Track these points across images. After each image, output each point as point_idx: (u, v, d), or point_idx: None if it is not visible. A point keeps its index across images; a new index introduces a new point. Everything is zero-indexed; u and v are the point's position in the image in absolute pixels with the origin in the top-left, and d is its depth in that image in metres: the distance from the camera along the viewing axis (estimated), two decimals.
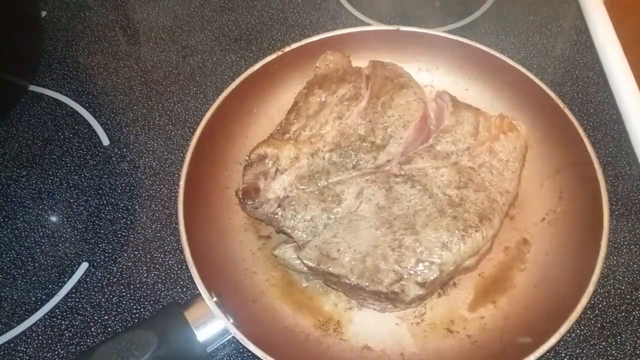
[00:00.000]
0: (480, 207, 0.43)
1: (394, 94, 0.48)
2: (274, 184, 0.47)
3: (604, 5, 0.67)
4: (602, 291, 0.50)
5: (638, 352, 0.47)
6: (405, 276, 0.41)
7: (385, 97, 0.48)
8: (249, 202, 0.47)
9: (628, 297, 0.50)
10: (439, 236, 0.41)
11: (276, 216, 0.46)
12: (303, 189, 0.46)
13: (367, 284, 0.41)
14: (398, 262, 0.41)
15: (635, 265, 0.52)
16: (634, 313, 0.49)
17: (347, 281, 0.42)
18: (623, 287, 0.51)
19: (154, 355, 0.41)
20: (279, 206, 0.46)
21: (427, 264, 0.41)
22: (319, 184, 0.46)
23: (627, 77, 0.62)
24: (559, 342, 0.47)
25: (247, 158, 0.50)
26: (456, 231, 0.41)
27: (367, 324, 0.48)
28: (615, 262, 0.52)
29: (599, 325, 0.49)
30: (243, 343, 0.42)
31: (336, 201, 0.45)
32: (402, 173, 0.45)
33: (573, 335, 0.48)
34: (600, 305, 0.50)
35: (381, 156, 0.46)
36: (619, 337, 0.48)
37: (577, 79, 0.63)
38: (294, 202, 0.46)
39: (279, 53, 0.57)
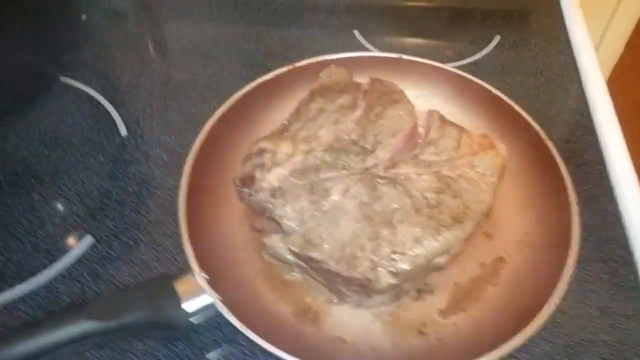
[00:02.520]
0: (454, 211, 0.46)
1: (387, 106, 0.53)
2: (269, 175, 0.51)
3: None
4: (571, 312, 0.53)
5: None
6: (379, 265, 0.44)
7: (378, 108, 0.53)
8: (245, 190, 0.51)
9: (596, 320, 0.52)
10: (413, 231, 0.45)
11: (268, 204, 0.50)
12: (295, 182, 0.50)
13: (344, 269, 0.44)
14: (374, 251, 0.45)
15: (604, 293, 0.54)
16: (599, 335, 0.51)
17: (326, 266, 0.46)
18: (592, 312, 0.53)
19: (143, 315, 0.45)
20: (272, 195, 0.50)
21: (400, 255, 0.44)
22: (310, 179, 0.50)
23: (612, 125, 0.66)
24: (527, 355, 0.50)
25: (248, 150, 0.54)
26: (429, 228, 0.45)
27: (343, 318, 0.51)
28: (586, 288, 0.54)
29: (563, 343, 0.51)
30: (226, 316, 0.46)
31: (324, 195, 0.49)
32: (387, 175, 0.49)
33: (539, 350, 0.51)
34: (567, 326, 0.52)
35: (369, 159, 0.50)
36: (584, 356, 0.50)
37: (565, 121, 0.68)
38: (285, 193, 0.50)
39: (290, 67, 0.63)
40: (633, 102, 0.86)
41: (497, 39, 0.77)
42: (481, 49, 0.76)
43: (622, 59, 0.89)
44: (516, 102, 0.60)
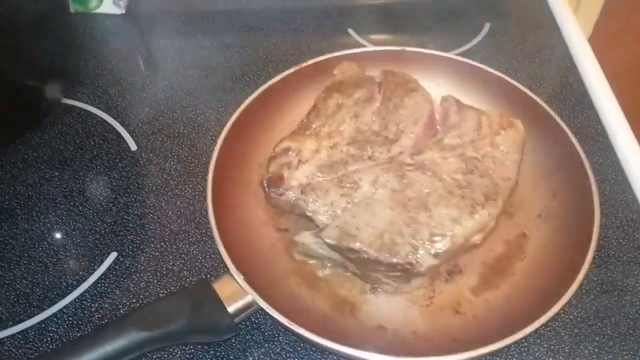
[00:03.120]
0: (485, 189, 0.48)
1: (404, 96, 0.54)
2: (296, 173, 0.51)
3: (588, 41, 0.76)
4: (596, 279, 0.55)
5: (631, 331, 0.51)
6: (420, 248, 0.45)
7: (396, 99, 0.54)
8: (274, 190, 0.52)
9: (619, 284, 0.54)
10: (449, 212, 0.46)
11: (299, 201, 0.50)
12: (324, 177, 0.51)
13: (386, 256, 0.45)
14: (413, 235, 0.46)
15: (624, 257, 0.56)
16: (625, 297, 0.53)
17: (366, 255, 0.46)
18: (615, 276, 0.55)
19: (188, 320, 0.44)
20: (302, 192, 0.51)
21: (439, 237, 0.45)
22: (338, 173, 0.51)
23: (609, 98, 0.69)
24: (558, 322, 0.52)
25: (271, 151, 0.54)
26: (465, 208, 0.46)
27: (380, 307, 0.52)
28: (606, 254, 0.56)
29: (594, 308, 0.53)
30: (270, 313, 0.46)
31: (354, 187, 0.50)
32: (414, 162, 0.50)
33: (571, 317, 0.52)
34: (594, 291, 0.54)
35: (394, 148, 0.51)
36: (612, 319, 0.52)
37: (564, 98, 0.70)
38: (315, 189, 0.50)
39: (296, 68, 0.63)
40: (619, 61, 0.89)
41: (487, 27, 0.79)
42: (473, 37, 0.78)
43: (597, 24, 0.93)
44: None
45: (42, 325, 0.52)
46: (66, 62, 0.71)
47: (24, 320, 0.52)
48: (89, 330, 0.51)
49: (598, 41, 0.83)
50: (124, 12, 0.80)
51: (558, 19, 0.80)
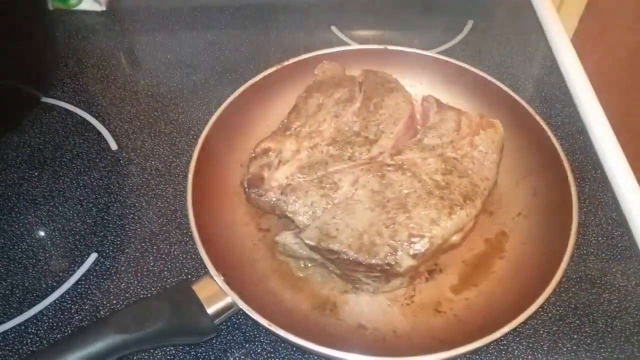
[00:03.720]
0: (464, 190, 0.48)
1: (385, 96, 0.54)
2: (277, 174, 0.51)
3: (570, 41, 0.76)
4: (574, 277, 0.55)
5: (609, 328, 0.52)
6: (399, 249, 0.45)
7: (377, 99, 0.54)
8: (254, 190, 0.51)
9: (598, 281, 0.55)
10: (428, 213, 0.46)
11: (279, 202, 0.50)
12: (304, 177, 0.51)
13: (365, 257, 0.45)
14: (392, 237, 0.46)
15: (603, 254, 0.57)
16: (603, 295, 0.54)
17: (346, 256, 0.46)
18: (593, 274, 0.56)
19: (167, 323, 0.44)
20: (282, 193, 0.51)
21: (418, 238, 0.45)
22: (318, 174, 0.51)
23: (590, 97, 0.70)
24: (537, 320, 0.52)
25: (252, 151, 0.54)
26: (443, 209, 0.46)
27: (361, 306, 0.52)
28: (585, 252, 0.57)
29: (572, 306, 0.53)
30: (250, 314, 0.46)
31: (334, 188, 0.50)
32: (393, 163, 0.50)
33: (550, 314, 0.53)
34: (573, 289, 0.55)
35: (374, 149, 0.52)
36: (591, 316, 0.53)
37: (545, 96, 0.71)
38: (295, 189, 0.50)
39: (278, 67, 0.63)
40: (601, 60, 0.90)
41: (470, 24, 0.79)
42: (456, 35, 0.78)
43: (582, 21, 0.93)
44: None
45: (22, 327, 0.51)
46: (45, 59, 0.70)
47: (4, 322, 0.52)
48: (69, 332, 0.51)
49: (580, 40, 0.83)
50: (104, 8, 0.79)
51: (541, 17, 0.81)
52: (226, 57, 0.75)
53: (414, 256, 0.45)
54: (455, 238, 0.48)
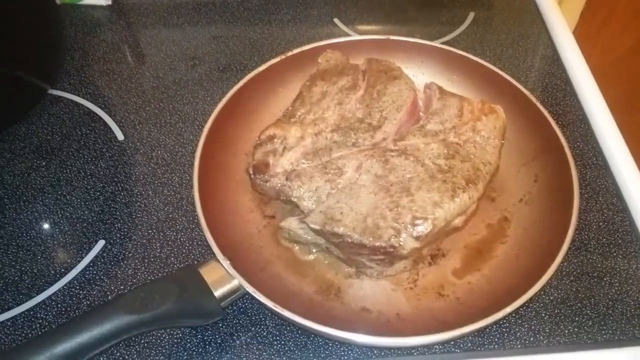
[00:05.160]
0: (466, 174, 0.49)
1: (388, 83, 0.55)
2: (282, 160, 0.52)
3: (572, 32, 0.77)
4: (576, 261, 0.56)
5: (610, 311, 0.52)
6: (402, 231, 0.46)
7: (380, 86, 0.55)
8: (259, 177, 0.52)
9: (599, 266, 0.56)
10: (431, 196, 0.47)
11: (284, 188, 0.51)
12: (308, 163, 0.52)
13: (369, 239, 0.46)
14: (395, 219, 0.46)
15: (604, 240, 0.58)
16: (605, 279, 0.55)
17: (350, 239, 0.47)
18: (594, 258, 0.56)
19: (175, 304, 0.45)
20: (287, 179, 0.51)
21: (421, 220, 0.46)
22: (322, 159, 0.52)
23: (591, 86, 0.70)
24: (539, 303, 0.53)
25: (257, 139, 0.55)
26: (446, 192, 0.47)
27: (365, 290, 0.53)
28: (586, 237, 0.58)
29: (574, 289, 0.54)
30: (256, 297, 0.46)
31: (338, 173, 0.51)
32: (397, 148, 0.51)
33: (552, 298, 0.53)
34: (574, 273, 0.55)
35: (377, 135, 0.52)
36: (592, 300, 0.53)
37: (546, 86, 0.71)
38: (300, 175, 0.51)
39: (282, 57, 0.64)
40: (602, 51, 0.91)
41: (471, 16, 0.80)
42: (457, 26, 0.79)
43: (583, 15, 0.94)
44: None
45: (31, 313, 0.52)
46: (53, 52, 0.71)
47: (13, 307, 0.52)
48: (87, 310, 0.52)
49: (582, 31, 0.84)
50: (110, 3, 0.81)
51: (542, 8, 0.81)
52: (230, 50, 0.75)
53: (417, 238, 0.46)
54: (457, 221, 0.48)
